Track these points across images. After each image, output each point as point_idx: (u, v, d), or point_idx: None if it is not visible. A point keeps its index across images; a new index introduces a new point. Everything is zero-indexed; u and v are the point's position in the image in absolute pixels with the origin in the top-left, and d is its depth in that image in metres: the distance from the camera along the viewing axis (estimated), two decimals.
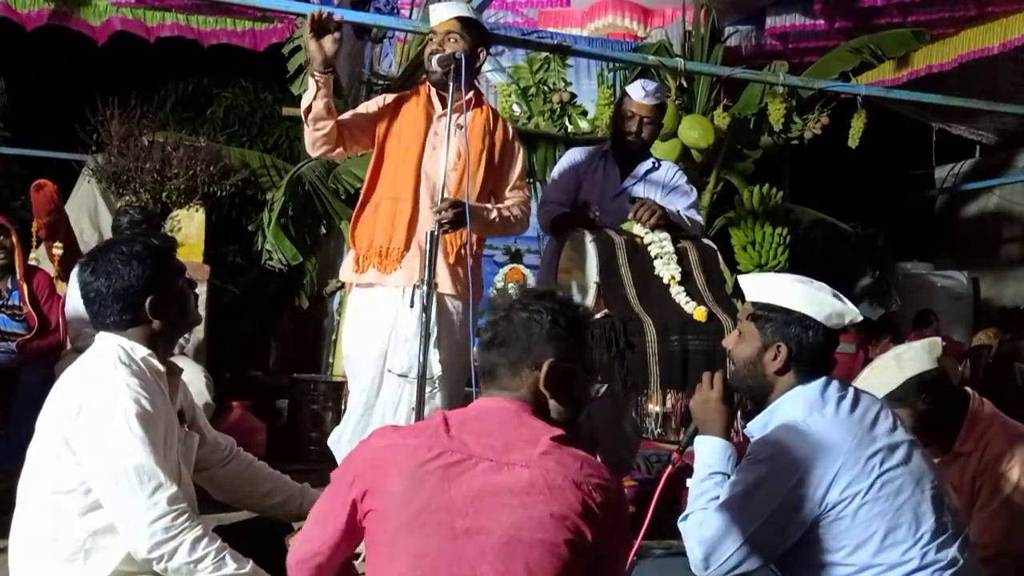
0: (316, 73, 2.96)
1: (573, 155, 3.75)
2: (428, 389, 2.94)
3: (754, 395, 2.08)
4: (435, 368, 2.98)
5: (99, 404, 1.91)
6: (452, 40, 3.07)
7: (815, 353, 2.00)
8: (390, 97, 3.25)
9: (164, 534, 1.88)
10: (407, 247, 3.02)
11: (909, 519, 1.86)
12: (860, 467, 1.86)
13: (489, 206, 3.15)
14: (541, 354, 1.61)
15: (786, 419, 1.97)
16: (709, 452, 2.05)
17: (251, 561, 1.96)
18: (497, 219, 3.15)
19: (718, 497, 1.98)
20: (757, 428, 2.04)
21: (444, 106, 3.10)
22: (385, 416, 2.98)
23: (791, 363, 2.00)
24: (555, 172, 3.79)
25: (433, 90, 3.17)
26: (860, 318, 2.03)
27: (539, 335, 1.61)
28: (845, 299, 2.02)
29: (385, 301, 3.03)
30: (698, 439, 2.09)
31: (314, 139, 3.06)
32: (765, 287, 2.06)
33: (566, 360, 1.62)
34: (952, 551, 1.87)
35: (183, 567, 1.88)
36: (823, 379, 2.00)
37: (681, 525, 2.02)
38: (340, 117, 3.09)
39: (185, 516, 1.91)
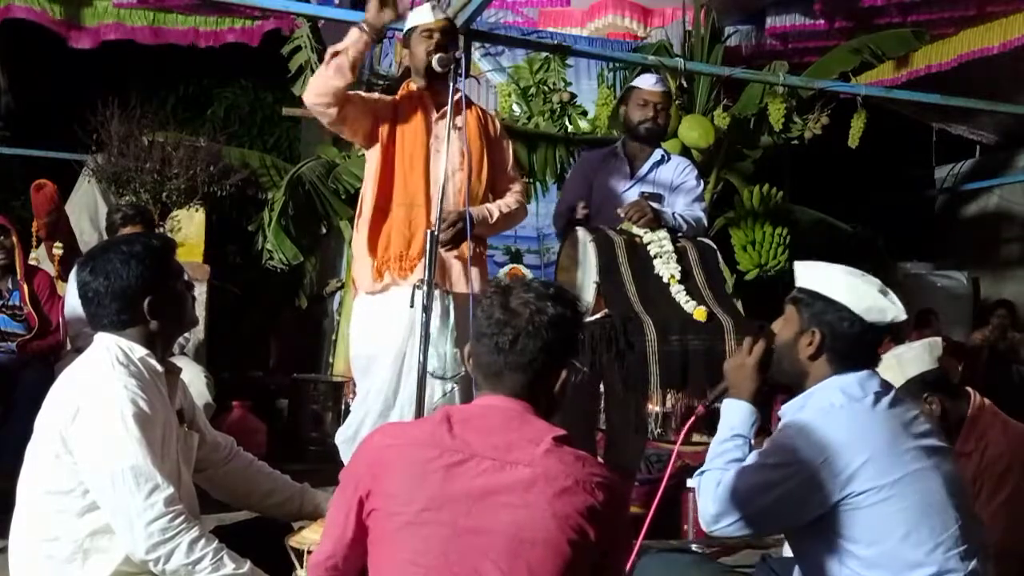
0: (365, 30, 2.96)
1: (583, 159, 3.82)
2: (449, 387, 2.99)
3: (791, 381, 2.06)
4: (460, 367, 3.00)
5: (97, 405, 1.92)
6: (446, 38, 3.12)
7: (849, 343, 1.97)
8: (388, 98, 3.22)
9: (161, 535, 1.88)
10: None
11: (935, 522, 1.83)
12: (891, 461, 1.84)
13: (490, 206, 3.17)
14: (558, 360, 1.60)
15: (822, 404, 1.96)
16: (735, 414, 2.05)
17: (248, 562, 1.96)
18: (500, 218, 3.18)
19: (738, 460, 1.98)
20: (791, 410, 2.02)
21: (439, 108, 3.13)
22: (404, 416, 2.97)
23: (823, 350, 1.98)
24: (568, 178, 3.85)
25: (426, 93, 3.17)
26: (903, 317, 1.99)
27: (559, 342, 1.59)
28: (895, 298, 2.00)
29: (402, 302, 2.98)
30: (726, 401, 2.09)
31: (324, 85, 2.98)
32: (812, 274, 2.05)
33: (574, 360, 1.63)
34: (973, 563, 1.84)
35: (181, 568, 1.88)
36: (866, 372, 1.98)
37: (696, 479, 2.02)
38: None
39: (182, 517, 1.90)
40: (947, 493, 1.87)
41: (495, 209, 3.17)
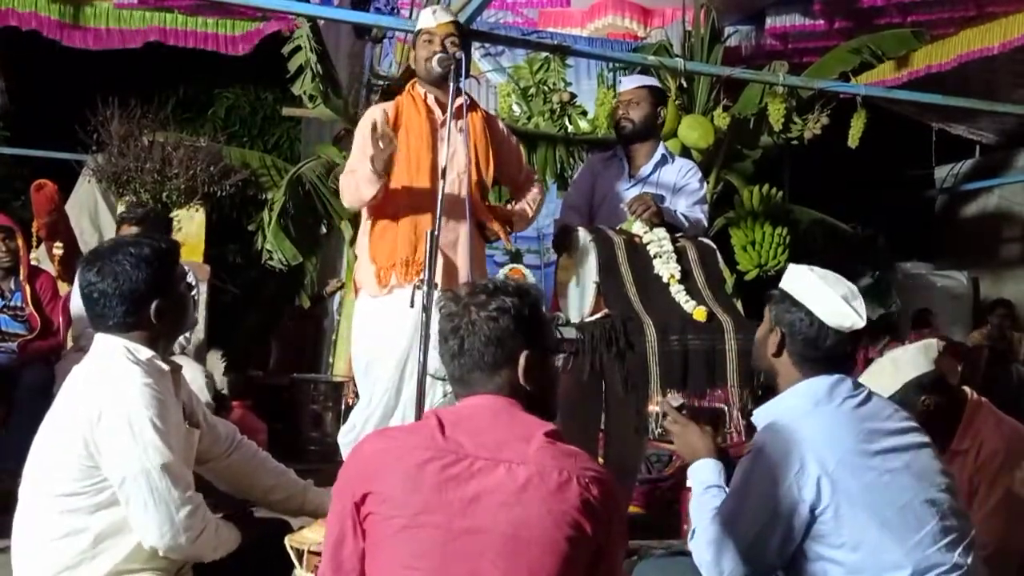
0: (379, 176, 2.97)
1: (588, 161, 3.90)
2: (450, 388, 2.98)
3: (767, 378, 2.13)
4: None
5: (120, 406, 1.94)
6: (451, 42, 3.12)
7: (807, 345, 2.01)
8: (383, 114, 3.14)
9: (200, 526, 2.00)
10: None
11: (909, 521, 1.85)
12: (859, 464, 1.86)
13: (526, 203, 3.34)
14: (513, 349, 1.60)
15: (789, 413, 1.98)
16: (702, 471, 2.12)
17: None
18: (522, 216, 3.33)
19: (717, 508, 2.01)
20: (762, 417, 2.05)
21: (444, 110, 3.13)
22: (406, 418, 2.96)
23: (784, 349, 2.04)
24: (574, 179, 3.91)
25: (431, 95, 3.18)
26: (861, 325, 2.00)
27: (507, 331, 1.60)
28: (860, 304, 2.02)
29: (406, 303, 2.92)
30: (691, 466, 2.15)
31: (359, 196, 3.08)
32: (789, 275, 2.10)
33: (537, 348, 1.63)
34: (956, 555, 1.85)
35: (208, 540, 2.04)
36: (836, 377, 2.00)
37: (691, 544, 2.03)
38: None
39: (204, 504, 2.03)
40: (921, 489, 1.88)
41: (531, 206, 3.35)
